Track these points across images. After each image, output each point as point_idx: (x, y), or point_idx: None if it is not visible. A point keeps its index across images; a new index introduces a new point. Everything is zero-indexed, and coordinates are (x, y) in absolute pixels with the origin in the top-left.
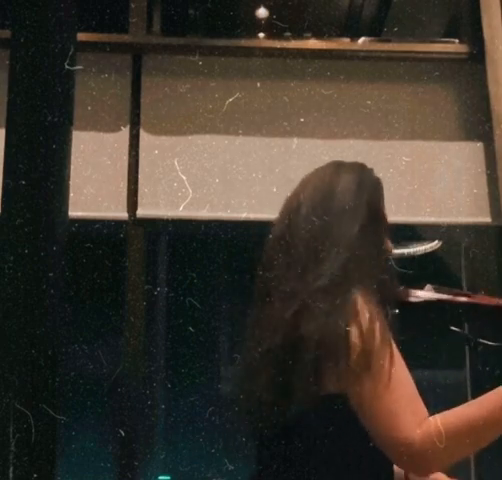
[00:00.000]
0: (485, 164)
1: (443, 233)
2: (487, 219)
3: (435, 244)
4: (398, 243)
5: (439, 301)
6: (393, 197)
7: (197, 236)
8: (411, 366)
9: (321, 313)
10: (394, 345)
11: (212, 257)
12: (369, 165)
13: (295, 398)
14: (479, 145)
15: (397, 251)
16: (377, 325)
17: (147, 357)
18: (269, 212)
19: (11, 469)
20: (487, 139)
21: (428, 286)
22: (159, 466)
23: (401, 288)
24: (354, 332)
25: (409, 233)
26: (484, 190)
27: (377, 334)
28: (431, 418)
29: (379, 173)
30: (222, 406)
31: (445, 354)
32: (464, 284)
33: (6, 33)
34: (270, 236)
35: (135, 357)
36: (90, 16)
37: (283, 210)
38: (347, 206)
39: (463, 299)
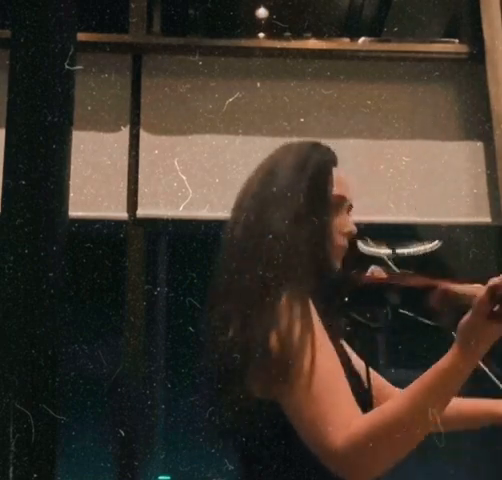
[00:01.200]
0: (485, 164)
1: (443, 233)
2: (487, 219)
3: (435, 244)
4: (398, 243)
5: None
6: (393, 197)
7: (197, 236)
8: (411, 366)
9: (245, 317)
10: (324, 347)
11: (212, 257)
12: (369, 165)
13: (225, 403)
14: (479, 145)
15: (397, 251)
16: (297, 329)
17: (147, 357)
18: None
19: (11, 469)
20: (487, 139)
21: (374, 267)
22: (159, 466)
23: (353, 272)
24: (274, 337)
25: (409, 233)
26: (484, 190)
27: (295, 338)
28: (356, 420)
29: (379, 173)
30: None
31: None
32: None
33: (6, 33)
34: (222, 239)
35: (135, 357)
36: (90, 16)
37: (233, 206)
38: (283, 192)
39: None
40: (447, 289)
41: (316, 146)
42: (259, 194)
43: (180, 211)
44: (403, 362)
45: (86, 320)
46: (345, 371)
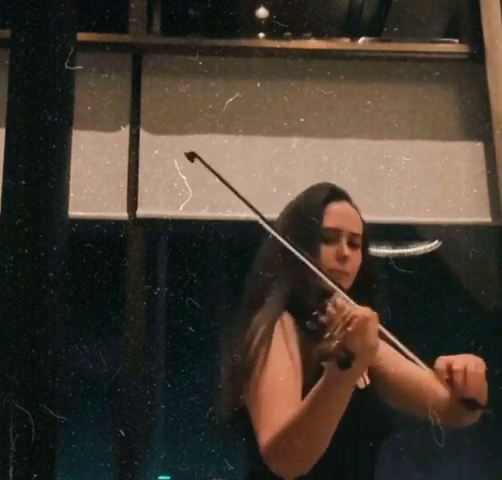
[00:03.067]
0: (485, 164)
1: (443, 233)
2: (487, 219)
3: (435, 244)
4: (398, 243)
5: None
6: (393, 197)
7: (197, 236)
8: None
9: (237, 331)
10: (277, 358)
11: (212, 257)
12: (369, 165)
13: (222, 408)
14: (479, 145)
15: (397, 251)
16: (254, 344)
17: (147, 357)
18: (269, 212)
19: (11, 469)
20: (487, 139)
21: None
22: (159, 466)
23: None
24: (242, 351)
25: (409, 233)
26: (484, 190)
27: (251, 353)
28: (280, 421)
29: (379, 173)
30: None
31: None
32: (464, 284)
33: (6, 33)
34: None
35: (135, 357)
36: (90, 16)
37: None
38: (281, 226)
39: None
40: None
41: (316, 188)
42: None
43: (180, 211)
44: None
45: (86, 320)
46: (310, 379)
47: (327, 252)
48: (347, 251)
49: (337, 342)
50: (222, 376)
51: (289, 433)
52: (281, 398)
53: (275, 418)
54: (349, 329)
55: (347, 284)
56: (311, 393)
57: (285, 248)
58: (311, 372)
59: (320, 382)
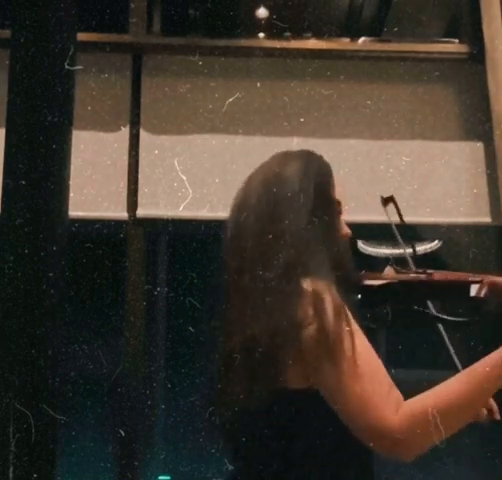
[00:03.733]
0: (485, 164)
1: (443, 233)
2: (487, 219)
3: (435, 244)
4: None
5: (401, 282)
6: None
7: (197, 236)
8: (411, 366)
9: (271, 310)
10: (358, 331)
11: (212, 257)
12: (369, 165)
13: (256, 397)
14: (479, 145)
15: (397, 251)
16: (330, 314)
17: (147, 357)
18: None
19: (11, 469)
20: (487, 139)
21: (388, 268)
22: (159, 466)
23: (361, 272)
24: (307, 325)
25: (409, 233)
26: (484, 190)
27: (332, 324)
28: (407, 402)
29: (379, 173)
30: (221, 406)
31: (445, 354)
32: None
33: (6, 33)
34: (224, 238)
35: (135, 357)
36: (90, 16)
37: (233, 208)
38: (294, 194)
39: (423, 277)
40: (494, 281)
41: (314, 154)
42: (266, 196)
43: (180, 211)
44: (403, 362)
45: (86, 320)
46: None
47: (343, 225)
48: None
49: None
50: (235, 372)
51: (436, 410)
52: (385, 374)
53: (394, 396)
54: None
55: None
56: (473, 369)
57: (308, 223)
58: None
59: (493, 353)
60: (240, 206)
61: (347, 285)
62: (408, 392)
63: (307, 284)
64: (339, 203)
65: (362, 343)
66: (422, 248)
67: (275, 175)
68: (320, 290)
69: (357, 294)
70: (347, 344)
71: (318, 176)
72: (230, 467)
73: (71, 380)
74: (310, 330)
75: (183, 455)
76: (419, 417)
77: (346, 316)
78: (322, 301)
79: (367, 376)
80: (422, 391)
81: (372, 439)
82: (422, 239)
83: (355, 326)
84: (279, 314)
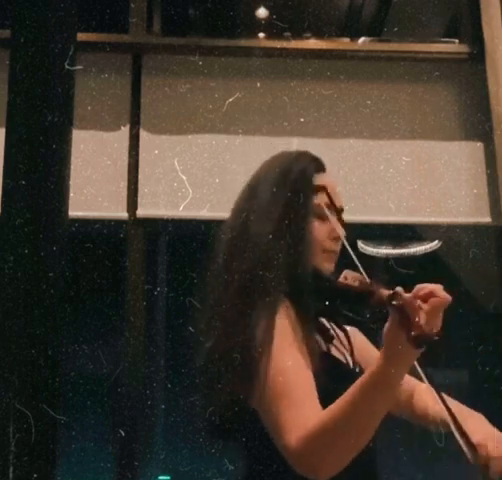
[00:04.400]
0: (485, 164)
1: (443, 233)
2: (487, 219)
3: (435, 244)
4: (398, 243)
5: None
6: (393, 197)
7: (197, 236)
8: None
9: (225, 325)
10: (282, 349)
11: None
12: (369, 165)
13: (219, 410)
14: (479, 145)
15: (397, 251)
16: (259, 332)
17: (147, 357)
18: None
19: (11, 469)
20: (487, 139)
21: (346, 271)
22: (159, 466)
23: (329, 276)
24: (242, 345)
25: (409, 233)
26: (484, 190)
27: (256, 342)
28: (312, 419)
29: (379, 173)
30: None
31: (445, 354)
32: (464, 284)
33: (6, 33)
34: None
35: (135, 357)
36: (90, 16)
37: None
38: (264, 203)
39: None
40: (381, 293)
41: (299, 156)
42: (241, 209)
43: (180, 211)
44: None
45: (86, 320)
46: (316, 367)
47: (321, 230)
48: (341, 230)
49: (423, 322)
50: (213, 376)
51: (330, 430)
52: (300, 393)
53: (301, 417)
54: (428, 307)
55: (335, 265)
56: (362, 381)
57: (274, 226)
58: (316, 362)
59: (376, 368)
60: (227, 219)
61: (312, 290)
62: None
63: (255, 302)
64: (331, 205)
65: (283, 360)
66: (422, 248)
67: (252, 185)
68: (260, 310)
69: (322, 298)
70: (264, 363)
71: (293, 181)
72: (230, 467)
73: (71, 380)
74: (241, 348)
75: (183, 455)
76: (315, 437)
77: (272, 335)
78: (256, 321)
79: (279, 394)
80: None
81: (287, 459)
82: (422, 239)
83: (283, 343)
84: (230, 331)
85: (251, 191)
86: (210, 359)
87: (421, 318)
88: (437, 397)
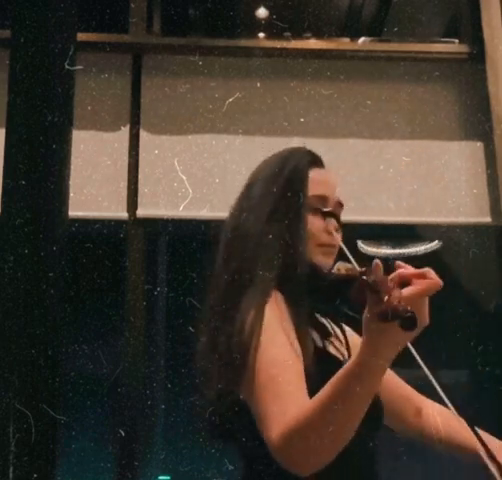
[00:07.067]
0: (485, 164)
1: (443, 233)
2: (487, 219)
3: (435, 244)
4: (398, 243)
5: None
6: (393, 197)
7: (197, 236)
8: (411, 366)
9: (217, 319)
10: (270, 341)
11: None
12: (369, 165)
13: (214, 404)
14: (479, 145)
15: (397, 251)
16: (247, 325)
17: (147, 357)
18: None
19: (11, 469)
20: (487, 139)
21: (340, 263)
22: (159, 466)
23: (322, 268)
24: (230, 336)
25: (409, 233)
26: (484, 190)
27: (244, 335)
28: (293, 411)
29: (379, 173)
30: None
31: (445, 354)
32: (464, 284)
33: (6, 33)
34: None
35: (135, 357)
36: (90, 16)
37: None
38: (259, 200)
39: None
40: (365, 281)
41: (293, 151)
42: (239, 208)
43: (180, 211)
44: (403, 362)
45: (86, 320)
46: (310, 363)
47: (315, 224)
48: (337, 223)
49: (399, 301)
50: (206, 370)
51: (310, 423)
52: (285, 386)
53: (285, 409)
54: (416, 288)
55: (333, 260)
56: (343, 373)
57: (267, 221)
58: (310, 357)
59: (357, 357)
60: (229, 209)
61: (306, 282)
62: None
63: (249, 295)
64: (323, 198)
65: (270, 353)
66: (422, 248)
67: (249, 183)
68: (248, 304)
69: (316, 290)
70: (251, 356)
71: (286, 176)
72: (230, 467)
73: (71, 380)
74: (231, 342)
75: (183, 455)
76: (295, 430)
77: (259, 327)
78: (246, 315)
79: (265, 387)
80: (422, 391)
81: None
82: (422, 239)
83: (272, 335)
84: (221, 325)
85: (248, 190)
86: (203, 354)
87: (393, 297)
88: (468, 428)
